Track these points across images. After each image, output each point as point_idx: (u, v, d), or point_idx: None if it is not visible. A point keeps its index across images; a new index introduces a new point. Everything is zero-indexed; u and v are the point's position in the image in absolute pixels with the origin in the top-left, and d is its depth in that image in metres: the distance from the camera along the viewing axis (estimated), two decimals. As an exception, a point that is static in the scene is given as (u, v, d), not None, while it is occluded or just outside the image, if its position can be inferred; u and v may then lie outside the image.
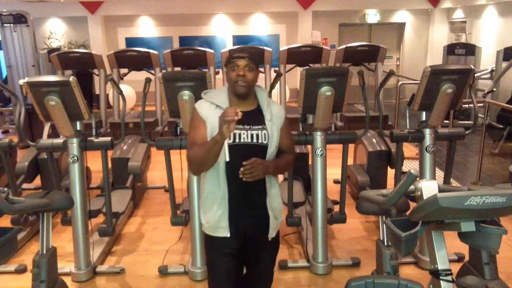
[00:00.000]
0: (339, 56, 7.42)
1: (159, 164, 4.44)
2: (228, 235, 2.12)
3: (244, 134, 2.07)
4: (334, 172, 4.18)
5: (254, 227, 2.16)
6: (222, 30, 11.01)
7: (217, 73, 7.42)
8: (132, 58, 7.43)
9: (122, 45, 10.85)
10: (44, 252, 2.59)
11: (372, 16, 11.12)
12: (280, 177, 4.35)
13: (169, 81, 3.10)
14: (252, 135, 2.08)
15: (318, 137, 3.28)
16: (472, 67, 3.19)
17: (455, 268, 2.16)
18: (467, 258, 2.46)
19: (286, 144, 2.23)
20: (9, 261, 2.71)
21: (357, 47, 7.56)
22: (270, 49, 7.44)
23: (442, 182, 3.67)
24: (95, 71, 7.61)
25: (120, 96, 3.65)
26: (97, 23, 10.44)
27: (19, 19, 6.83)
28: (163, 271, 3.37)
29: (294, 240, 3.89)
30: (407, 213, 1.95)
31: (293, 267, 3.42)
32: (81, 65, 7.41)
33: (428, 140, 3.31)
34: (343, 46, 7.48)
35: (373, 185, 4.40)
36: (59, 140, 3.34)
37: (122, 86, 6.34)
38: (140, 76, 5.85)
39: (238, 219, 2.12)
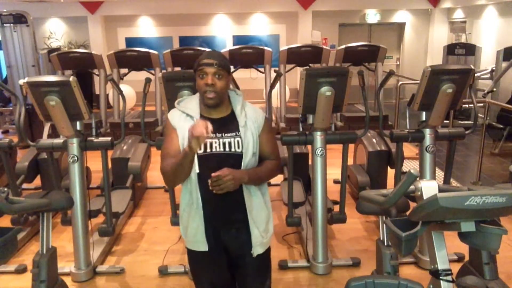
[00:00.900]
0: (339, 56, 7.43)
1: (159, 164, 4.43)
2: (207, 249, 2.01)
3: (215, 143, 1.93)
4: (334, 172, 4.18)
5: (234, 241, 2.03)
6: (222, 30, 11.01)
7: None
8: (132, 58, 7.43)
9: (122, 45, 10.85)
10: (44, 252, 2.59)
11: (372, 16, 11.13)
12: (280, 177, 4.35)
13: (169, 81, 3.10)
14: (224, 144, 1.93)
15: (318, 137, 3.28)
16: (472, 67, 3.19)
17: (455, 268, 2.16)
18: (467, 258, 2.46)
19: (267, 151, 2.05)
20: (9, 261, 2.71)
21: (357, 47, 7.56)
22: (270, 49, 7.45)
23: (442, 182, 3.67)
24: (95, 71, 7.62)
25: (120, 96, 3.65)
26: (97, 23, 10.44)
27: (19, 19, 6.84)
28: (163, 271, 3.37)
29: (294, 240, 3.89)
30: (407, 213, 1.95)
31: (293, 267, 3.42)
32: (81, 65, 7.41)
33: (428, 140, 3.31)
34: (343, 46, 7.49)
35: (373, 185, 4.40)
36: (59, 140, 3.34)
37: (122, 86, 6.35)
38: (140, 76, 5.85)
39: (217, 233, 2.01)
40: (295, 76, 9.08)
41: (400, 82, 6.91)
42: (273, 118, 7.03)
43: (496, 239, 1.64)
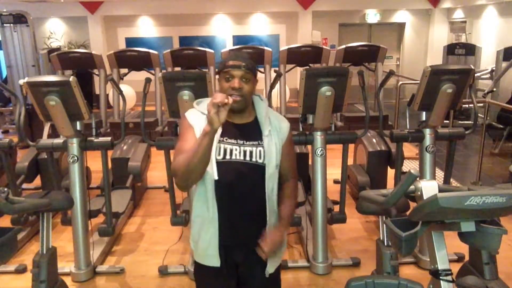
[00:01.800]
0: (339, 56, 7.43)
1: (159, 164, 4.44)
2: (218, 265, 1.83)
3: (236, 150, 1.78)
4: (334, 172, 4.18)
5: (249, 257, 1.86)
6: (222, 30, 11.01)
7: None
8: (132, 58, 7.44)
9: (122, 45, 10.85)
10: (44, 252, 2.59)
11: (372, 16, 11.13)
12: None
13: (169, 81, 3.10)
14: (245, 152, 1.78)
15: (318, 137, 3.28)
16: (472, 67, 3.19)
17: (455, 268, 2.16)
18: (467, 258, 2.46)
19: (286, 166, 1.90)
20: (9, 261, 2.71)
21: (357, 47, 7.57)
22: (270, 49, 7.45)
23: (442, 182, 3.67)
24: (95, 71, 7.62)
25: (120, 96, 3.65)
26: (97, 23, 10.44)
27: (19, 19, 6.84)
28: (163, 271, 3.37)
29: (294, 240, 3.89)
30: (407, 213, 1.94)
31: (293, 267, 3.42)
32: (81, 65, 7.42)
33: (428, 140, 3.31)
34: (343, 46, 7.49)
35: (373, 185, 4.39)
36: (59, 140, 3.34)
37: (122, 86, 6.34)
38: (140, 76, 5.85)
39: (231, 247, 1.85)
40: (295, 76, 9.07)
41: (400, 82, 6.92)
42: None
43: (496, 239, 1.64)
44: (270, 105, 5.05)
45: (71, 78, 2.99)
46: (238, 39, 10.91)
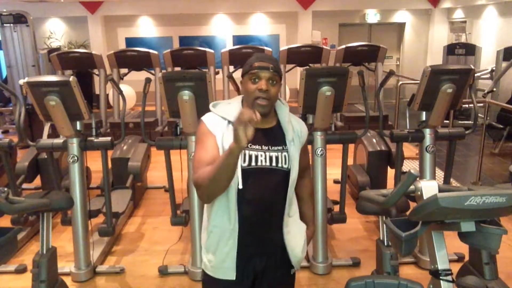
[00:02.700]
0: (339, 56, 7.42)
1: (159, 164, 4.44)
2: (234, 278, 1.75)
3: (261, 156, 1.71)
4: (334, 172, 4.18)
5: (268, 264, 1.80)
6: (222, 30, 11.01)
7: (217, 73, 7.42)
8: (132, 58, 7.43)
9: (122, 45, 10.86)
10: (44, 252, 2.59)
11: (372, 16, 11.13)
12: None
13: (169, 81, 3.10)
14: (271, 158, 1.72)
15: (318, 137, 3.28)
16: (472, 67, 3.19)
17: (455, 268, 2.16)
18: (467, 258, 2.46)
19: (303, 165, 1.88)
20: (9, 261, 2.71)
21: (357, 47, 7.56)
22: (270, 49, 7.45)
23: (442, 182, 3.67)
24: (95, 71, 7.61)
25: (120, 96, 3.65)
26: (97, 23, 10.44)
27: (19, 19, 6.83)
28: (163, 271, 3.37)
29: (294, 240, 3.88)
30: (407, 213, 1.94)
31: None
32: (81, 65, 7.41)
33: (428, 140, 3.31)
34: (343, 46, 7.49)
35: (373, 185, 4.39)
36: (59, 140, 3.34)
37: (122, 86, 6.35)
38: (140, 76, 5.85)
39: (247, 258, 1.77)
40: (295, 76, 9.08)
41: (400, 82, 6.92)
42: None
43: (496, 239, 1.64)
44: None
45: (71, 78, 2.99)
46: (238, 39, 10.91)
